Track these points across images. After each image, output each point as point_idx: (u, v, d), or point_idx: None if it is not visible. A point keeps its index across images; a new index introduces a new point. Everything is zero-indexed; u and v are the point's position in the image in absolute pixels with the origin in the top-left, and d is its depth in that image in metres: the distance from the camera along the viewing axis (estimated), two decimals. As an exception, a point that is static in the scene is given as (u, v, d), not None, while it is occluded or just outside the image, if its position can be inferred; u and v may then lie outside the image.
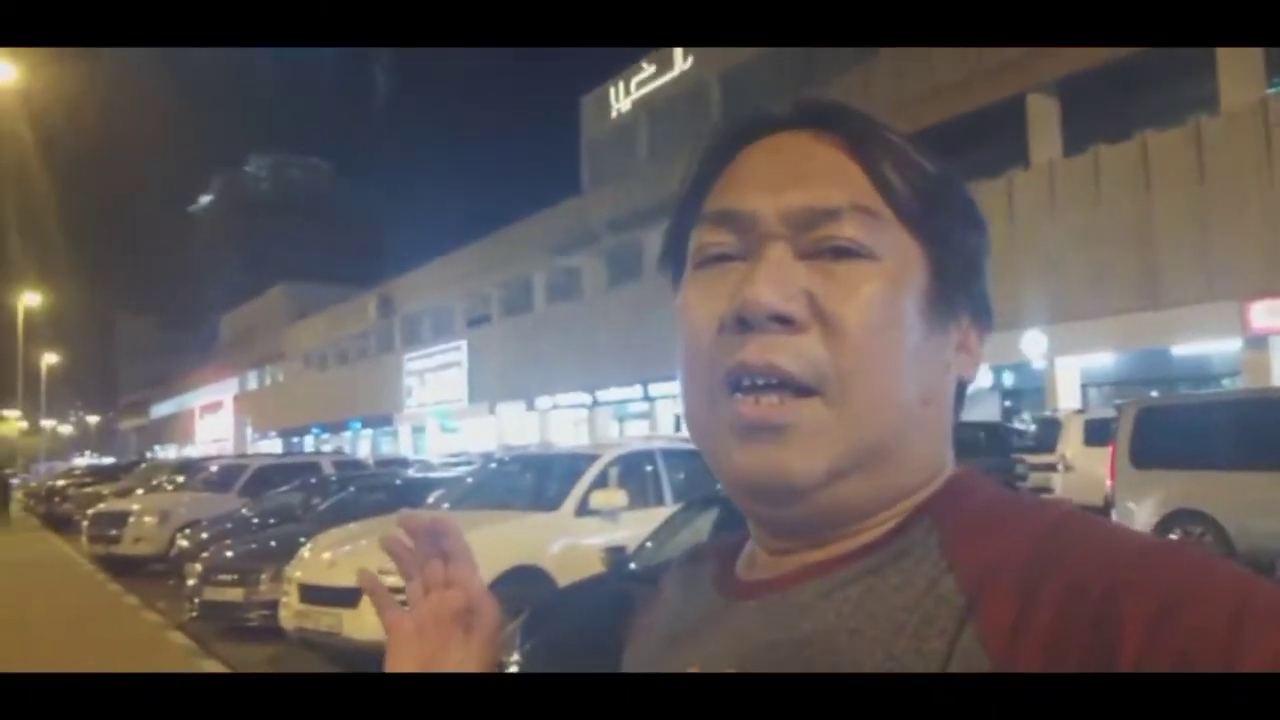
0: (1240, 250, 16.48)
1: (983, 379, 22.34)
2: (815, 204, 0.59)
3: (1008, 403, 23.11)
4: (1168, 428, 9.74)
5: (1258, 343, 16.63)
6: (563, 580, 6.88)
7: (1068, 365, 19.93)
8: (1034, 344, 19.40)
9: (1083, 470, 13.49)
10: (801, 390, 0.57)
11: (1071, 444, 14.29)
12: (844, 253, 0.59)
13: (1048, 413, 16.86)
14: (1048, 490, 13.68)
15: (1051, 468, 14.24)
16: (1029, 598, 0.51)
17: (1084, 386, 20.32)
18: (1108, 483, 10.14)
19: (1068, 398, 19.42)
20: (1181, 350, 18.36)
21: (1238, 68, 17.67)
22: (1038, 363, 20.05)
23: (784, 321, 0.57)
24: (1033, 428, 16.36)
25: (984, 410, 22.45)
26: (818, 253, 0.59)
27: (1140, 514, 9.55)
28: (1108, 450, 10.28)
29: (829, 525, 0.61)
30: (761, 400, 0.57)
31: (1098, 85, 19.53)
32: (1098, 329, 18.60)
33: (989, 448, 15.95)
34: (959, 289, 0.62)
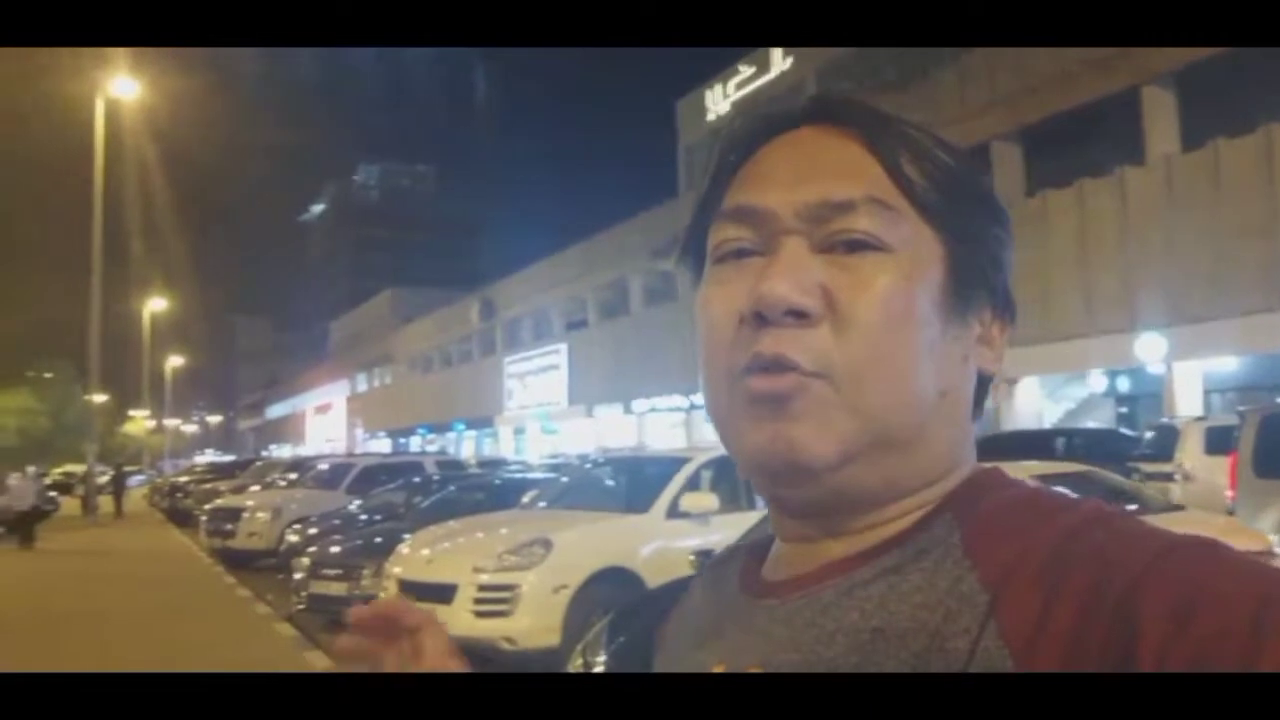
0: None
1: (1096, 384, 21.87)
2: (830, 197, 0.59)
3: (1123, 409, 22.19)
4: (1294, 435, 9.20)
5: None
6: (652, 582, 6.90)
7: (1188, 370, 19.03)
8: (1150, 347, 18.59)
9: (1203, 480, 12.82)
10: (811, 376, 0.58)
11: (1191, 452, 13.60)
12: (859, 245, 0.59)
13: (1165, 420, 16.13)
14: (1164, 500, 13.06)
15: (1169, 477, 13.60)
16: (1051, 595, 0.51)
17: (1206, 392, 19.36)
18: (1228, 493, 9.64)
19: (1188, 404, 18.53)
20: (1312, 354, 17.30)
21: (1374, 54, 16.59)
22: (1155, 367, 19.20)
23: (799, 315, 0.58)
24: (1148, 435, 15.65)
25: (1098, 417, 21.61)
26: (833, 246, 0.59)
27: (1263, 525, 9.04)
28: (1229, 459, 9.77)
29: (845, 510, 0.61)
30: (772, 375, 0.58)
31: (1217, 76, 18.58)
32: (1220, 331, 17.71)
33: (1098, 456, 15.33)
34: (978, 282, 0.62)
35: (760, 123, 0.66)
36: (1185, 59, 18.69)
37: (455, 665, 0.69)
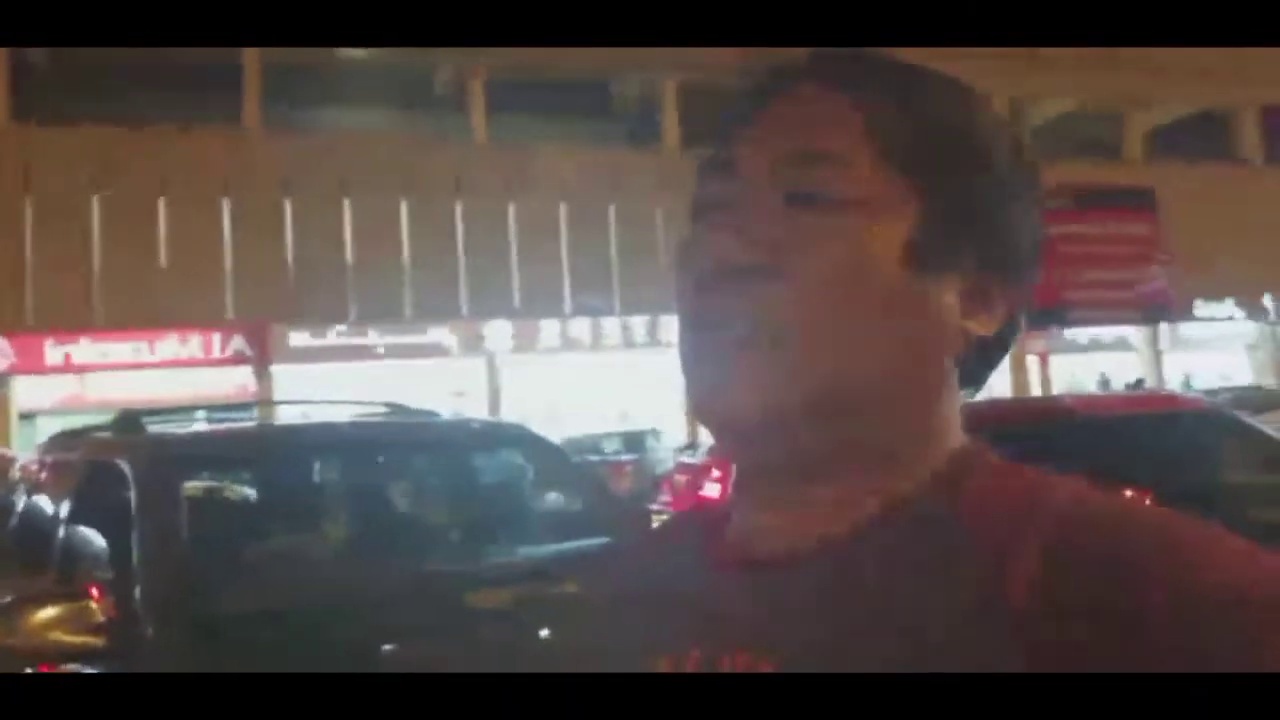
0: None
1: None
2: (795, 149, 0.59)
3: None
4: None
5: None
6: None
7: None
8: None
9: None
10: (757, 335, 0.57)
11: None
12: (817, 199, 0.58)
13: None
14: None
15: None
16: (1060, 569, 0.51)
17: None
18: None
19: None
20: None
21: None
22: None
23: (746, 271, 0.58)
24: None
25: None
26: (791, 199, 0.59)
27: None
28: None
29: (813, 478, 0.59)
30: (717, 339, 0.58)
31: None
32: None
33: None
34: (956, 236, 0.60)
35: (762, 79, 0.64)
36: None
37: None
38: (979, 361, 0.63)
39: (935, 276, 0.59)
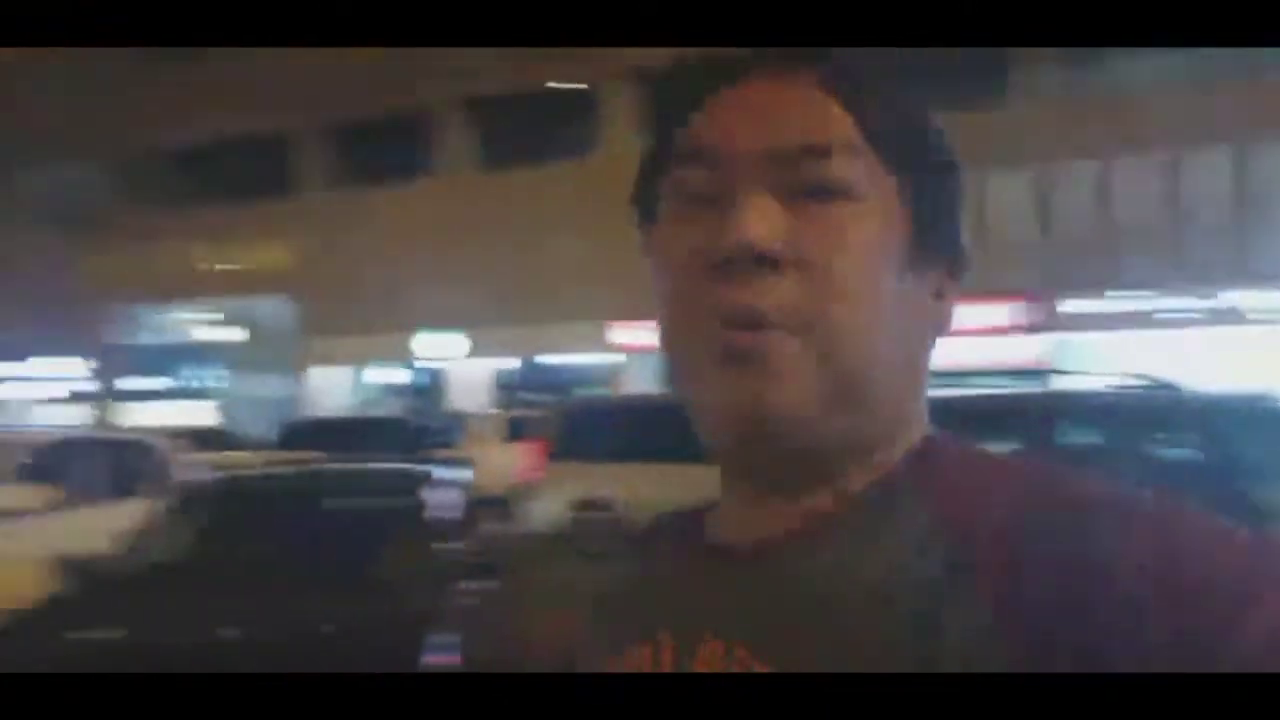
0: None
1: (388, 376, 22.02)
2: (799, 141, 0.59)
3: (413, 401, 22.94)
4: None
5: None
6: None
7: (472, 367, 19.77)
8: (428, 345, 19.24)
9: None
10: (783, 330, 0.57)
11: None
12: (827, 192, 0.58)
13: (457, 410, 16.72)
14: None
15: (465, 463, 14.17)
16: (1025, 556, 0.52)
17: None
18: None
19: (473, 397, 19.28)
20: None
21: None
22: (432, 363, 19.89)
23: (769, 263, 0.57)
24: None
25: (388, 407, 22.03)
26: (800, 192, 0.58)
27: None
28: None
29: (807, 471, 0.60)
30: (744, 330, 0.57)
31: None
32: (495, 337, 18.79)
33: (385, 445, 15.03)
34: (938, 234, 0.62)
35: (712, 67, 0.63)
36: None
37: None
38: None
39: (921, 271, 0.61)
